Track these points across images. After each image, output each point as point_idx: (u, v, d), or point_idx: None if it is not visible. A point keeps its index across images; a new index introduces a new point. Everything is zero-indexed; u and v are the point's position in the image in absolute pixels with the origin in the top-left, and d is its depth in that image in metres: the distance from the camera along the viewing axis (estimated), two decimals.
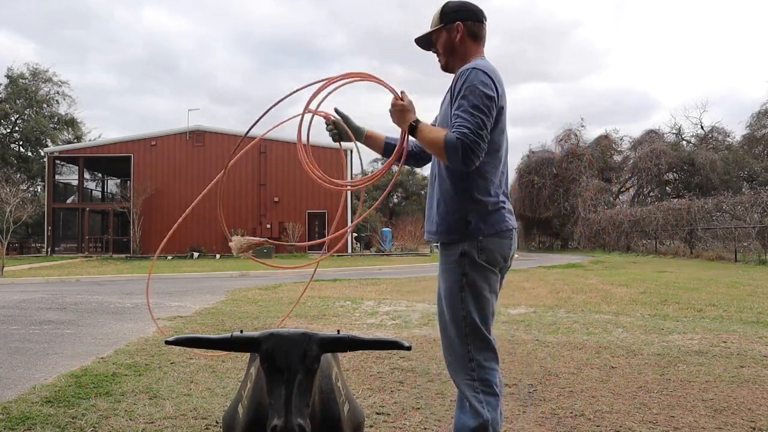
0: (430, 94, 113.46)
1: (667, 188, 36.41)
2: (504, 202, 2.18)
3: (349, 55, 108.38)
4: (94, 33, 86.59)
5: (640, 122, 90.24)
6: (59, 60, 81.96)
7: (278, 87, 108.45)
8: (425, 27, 2.34)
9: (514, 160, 45.86)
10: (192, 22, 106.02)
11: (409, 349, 1.50)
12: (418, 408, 3.39)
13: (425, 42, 2.34)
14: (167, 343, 1.49)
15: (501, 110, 2.09)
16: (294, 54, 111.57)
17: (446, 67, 2.33)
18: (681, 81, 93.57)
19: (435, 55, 2.34)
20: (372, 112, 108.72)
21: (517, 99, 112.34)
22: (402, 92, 2.15)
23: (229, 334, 1.48)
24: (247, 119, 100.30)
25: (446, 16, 2.24)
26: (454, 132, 1.95)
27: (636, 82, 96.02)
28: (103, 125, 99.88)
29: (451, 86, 2.17)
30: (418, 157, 2.45)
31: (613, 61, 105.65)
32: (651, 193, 36.58)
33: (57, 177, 32.60)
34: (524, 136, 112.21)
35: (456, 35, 2.22)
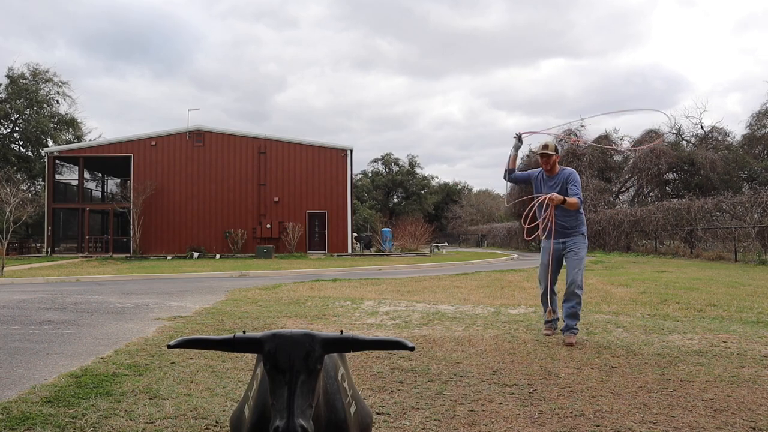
0: (426, 76, 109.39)
1: (667, 188, 36.40)
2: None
3: (334, 27, 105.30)
4: (50, 2, 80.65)
5: (666, 109, 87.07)
6: (12, 32, 71.43)
7: (261, 70, 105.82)
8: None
9: None
10: None
11: (412, 349, 1.50)
12: (418, 408, 3.39)
13: (546, 153, 5.45)
14: (169, 347, 1.49)
15: None
16: (270, 25, 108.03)
17: (551, 170, 5.50)
18: (717, 60, 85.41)
19: (541, 157, 5.49)
20: (362, 99, 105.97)
21: (529, 80, 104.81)
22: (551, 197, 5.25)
23: (231, 335, 1.48)
24: (237, 109, 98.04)
25: (556, 150, 5.47)
26: (577, 197, 5.31)
27: (668, 61, 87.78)
28: (82, 112, 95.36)
29: (557, 177, 5.49)
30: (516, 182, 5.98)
31: (643, 32, 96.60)
32: (651, 193, 36.56)
33: (57, 177, 32.59)
34: (530, 125, 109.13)
35: (557, 158, 5.50)
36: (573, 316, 5.34)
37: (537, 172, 5.68)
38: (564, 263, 5.61)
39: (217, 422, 3.15)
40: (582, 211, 5.48)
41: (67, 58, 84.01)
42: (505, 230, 46.25)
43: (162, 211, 29.47)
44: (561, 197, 5.20)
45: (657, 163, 33.99)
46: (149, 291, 11.10)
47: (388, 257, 26.91)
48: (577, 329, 5.37)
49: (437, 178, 71.94)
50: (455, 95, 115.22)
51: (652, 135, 37.06)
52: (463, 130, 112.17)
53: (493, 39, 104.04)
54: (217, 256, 27.47)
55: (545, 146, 5.45)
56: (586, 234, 5.59)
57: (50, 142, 40.55)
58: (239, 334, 1.46)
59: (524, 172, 5.89)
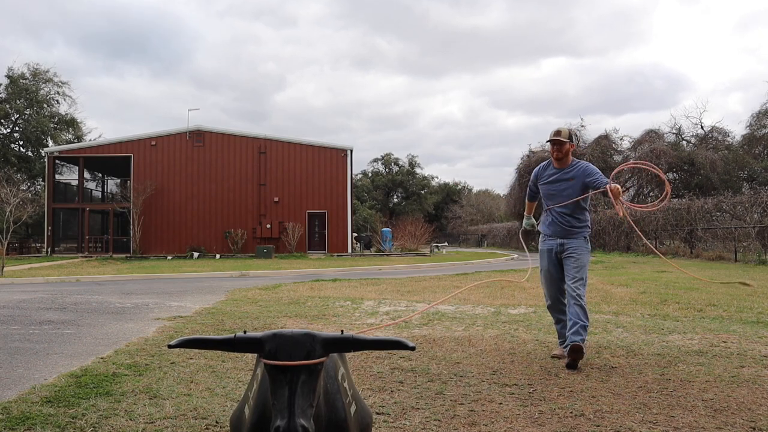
0: (426, 75, 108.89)
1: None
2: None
3: (334, 25, 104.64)
4: (47, 0, 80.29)
5: (666, 108, 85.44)
6: (9, 31, 70.92)
7: (260, 69, 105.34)
8: None
9: (516, 153, 45.53)
10: None
11: (413, 349, 1.50)
12: (418, 408, 3.39)
13: (557, 140, 4.64)
14: (170, 347, 1.49)
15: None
16: (269, 24, 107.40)
17: (562, 160, 4.70)
18: (719, 59, 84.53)
19: (552, 144, 4.65)
20: (361, 98, 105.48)
21: (530, 79, 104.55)
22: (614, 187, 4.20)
23: (232, 335, 1.48)
24: (237, 108, 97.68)
25: (570, 137, 4.66)
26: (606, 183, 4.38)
27: (670, 59, 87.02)
28: (81, 112, 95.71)
29: (570, 170, 4.68)
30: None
31: (646, 30, 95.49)
32: (651, 193, 36.57)
33: (57, 177, 32.59)
34: (531, 125, 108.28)
35: (571, 147, 4.69)
36: (578, 332, 4.36)
37: (543, 169, 4.86)
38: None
39: (217, 422, 3.15)
40: (588, 210, 4.77)
41: (66, 56, 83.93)
42: (505, 230, 46.26)
43: (162, 211, 29.47)
44: (617, 187, 4.20)
45: (657, 163, 34.01)
46: (149, 291, 11.10)
47: (388, 257, 26.90)
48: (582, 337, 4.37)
49: (437, 177, 72.06)
50: (455, 94, 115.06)
51: (651, 135, 37.10)
52: (464, 130, 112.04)
53: (493, 38, 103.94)
54: (217, 256, 27.46)
55: (557, 132, 4.65)
56: (588, 238, 4.73)
57: (50, 142, 40.55)
58: (240, 334, 1.46)
59: (533, 185, 5.00)
